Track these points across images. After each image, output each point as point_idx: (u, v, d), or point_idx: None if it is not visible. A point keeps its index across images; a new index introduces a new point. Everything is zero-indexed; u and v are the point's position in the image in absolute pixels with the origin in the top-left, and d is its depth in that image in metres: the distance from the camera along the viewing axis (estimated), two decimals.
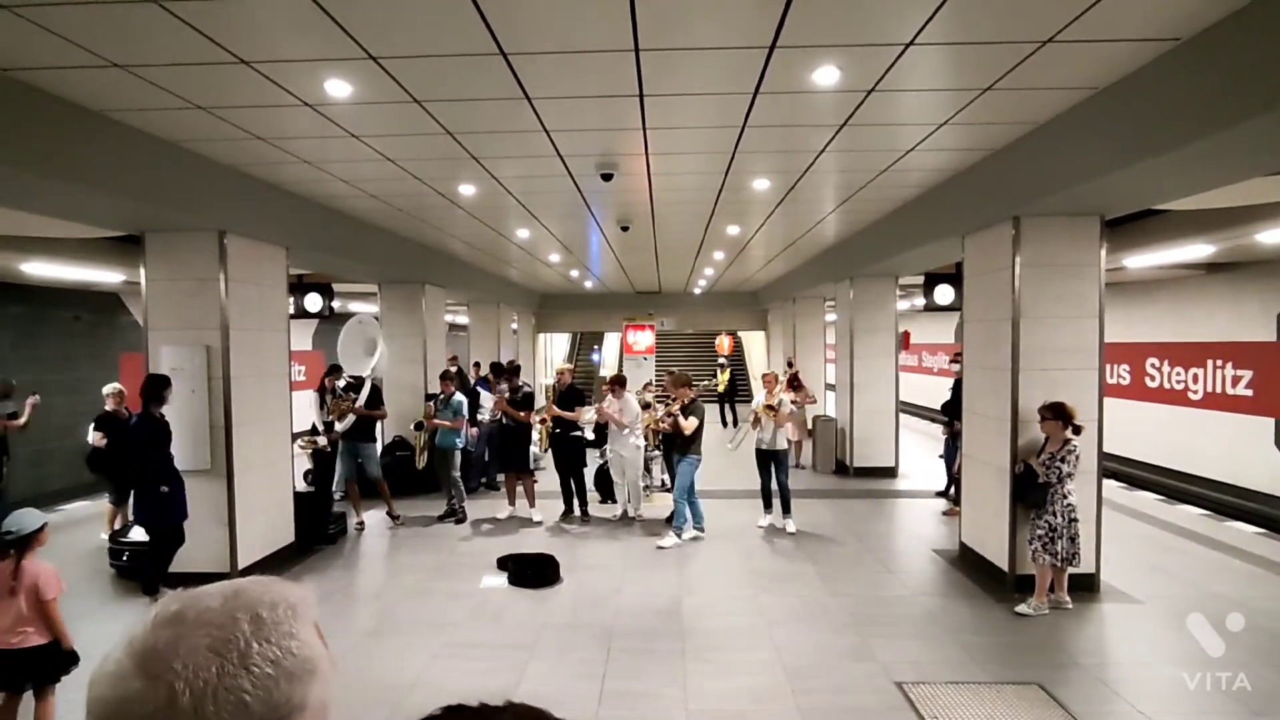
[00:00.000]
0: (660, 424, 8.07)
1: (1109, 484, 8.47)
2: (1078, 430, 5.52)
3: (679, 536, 7.66)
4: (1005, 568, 6.10)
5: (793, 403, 9.73)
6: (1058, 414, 5.53)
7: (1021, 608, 5.60)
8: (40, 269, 9.38)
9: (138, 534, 6.72)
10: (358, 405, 8.33)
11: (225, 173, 6.03)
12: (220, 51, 3.79)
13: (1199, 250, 8.78)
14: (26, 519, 3.58)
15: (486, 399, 10.02)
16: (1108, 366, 12.36)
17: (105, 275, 10.12)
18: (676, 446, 7.91)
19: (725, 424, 17.72)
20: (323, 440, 9.00)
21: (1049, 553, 5.50)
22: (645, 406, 9.07)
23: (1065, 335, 5.94)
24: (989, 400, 6.44)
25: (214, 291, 6.24)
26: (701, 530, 7.87)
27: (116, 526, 7.32)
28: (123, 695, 0.66)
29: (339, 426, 8.31)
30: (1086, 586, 5.88)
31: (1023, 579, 5.91)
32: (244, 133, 5.17)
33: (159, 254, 6.24)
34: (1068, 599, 5.65)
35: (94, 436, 7.87)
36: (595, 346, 28.66)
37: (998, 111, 4.92)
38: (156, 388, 5.79)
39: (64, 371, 10.36)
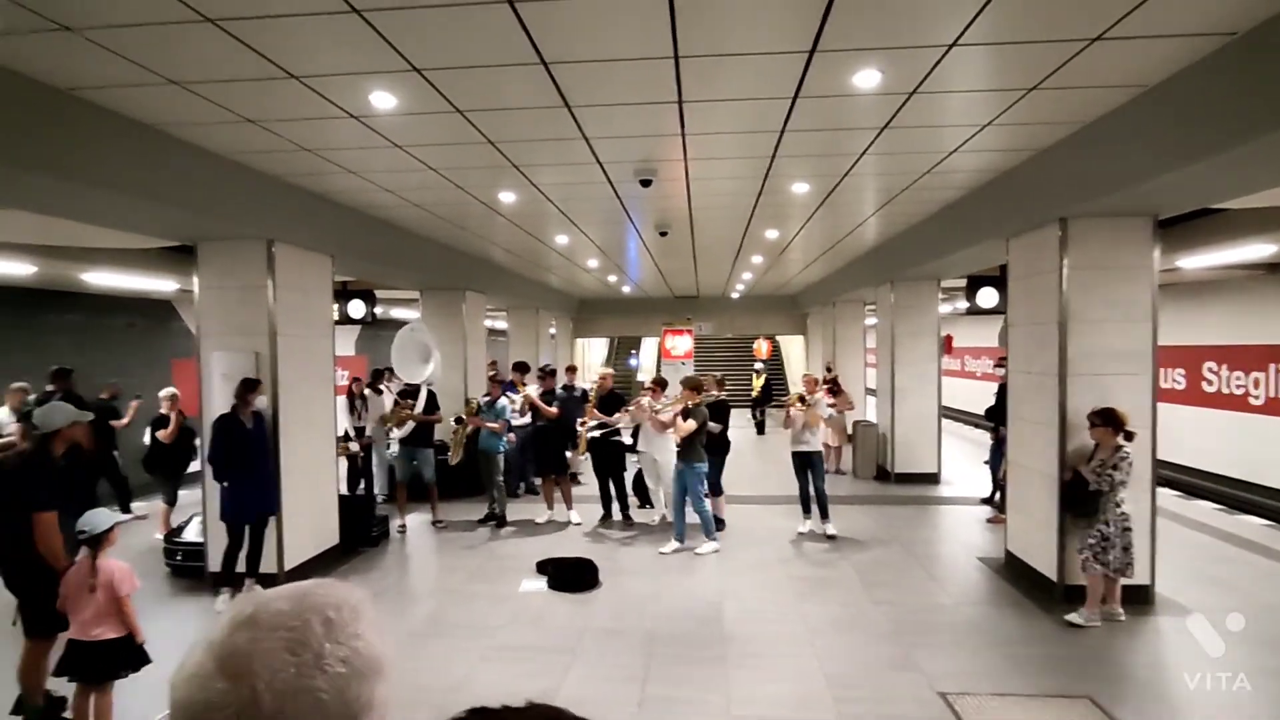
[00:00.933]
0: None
1: (1164, 493, 8.21)
2: (1130, 436, 5.36)
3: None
4: (1054, 577, 5.94)
5: (830, 407, 9.63)
6: (1108, 420, 5.37)
7: (1072, 616, 5.45)
8: (100, 278, 9.77)
9: (191, 534, 6.95)
10: (416, 411, 8.51)
11: (273, 184, 6.20)
12: (271, 67, 3.90)
13: (1259, 250, 8.46)
14: (98, 519, 3.75)
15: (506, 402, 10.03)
16: (1161, 371, 12.01)
17: (160, 283, 10.50)
18: (677, 453, 7.67)
19: (760, 431, 17.57)
20: (355, 446, 9.21)
21: (1100, 562, 5.34)
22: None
23: (1116, 339, 5.77)
24: (1035, 405, 6.29)
25: (262, 298, 6.41)
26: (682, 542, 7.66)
27: (173, 525, 7.55)
28: (207, 697, 0.69)
29: (398, 433, 8.46)
30: (1141, 599, 5.69)
31: (1072, 589, 5.75)
32: (292, 145, 5.32)
33: (211, 263, 6.45)
34: (1120, 611, 5.48)
35: (152, 438, 8.20)
36: (633, 351, 28.72)
37: (1043, 111, 4.81)
38: (241, 390, 6.04)
39: (120, 376, 10.73)
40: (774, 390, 19.11)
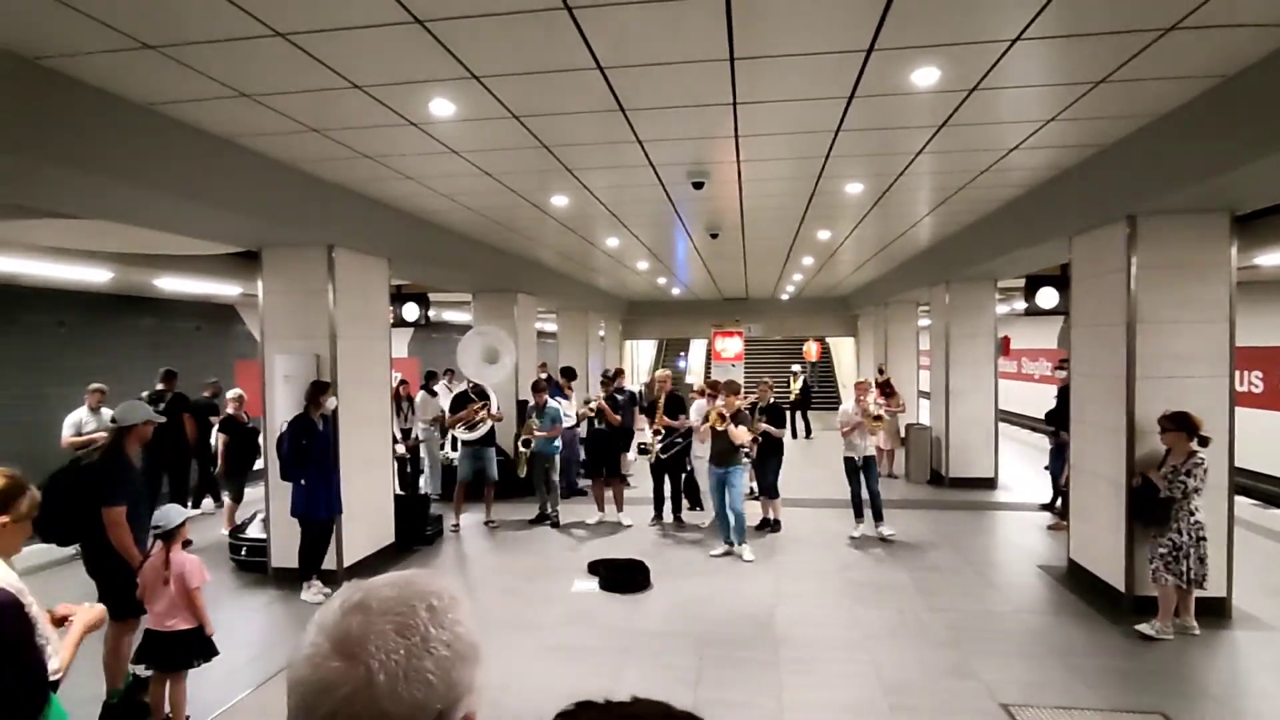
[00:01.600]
0: (716, 422, 7.56)
1: (1241, 501, 7.83)
2: (1204, 442, 5.13)
3: (744, 544, 7.47)
4: (1121, 587, 5.73)
5: (885, 409, 9.50)
6: (1181, 424, 5.16)
7: (1143, 627, 5.25)
8: (170, 283, 10.19)
9: (255, 530, 7.21)
10: (494, 412, 8.68)
11: (334, 190, 6.39)
12: (336, 78, 4.03)
13: None
14: (172, 514, 3.92)
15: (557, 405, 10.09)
16: (1239, 373, 11.45)
17: (225, 288, 10.89)
18: (713, 456, 7.52)
19: (795, 434, 16.63)
20: (400, 448, 9.40)
21: (1172, 573, 5.13)
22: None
23: (1189, 340, 5.54)
24: (1101, 409, 6.08)
25: (323, 302, 6.61)
26: (732, 545, 7.53)
27: (237, 523, 7.83)
28: (324, 676, 0.73)
29: (467, 434, 8.59)
30: (1216, 611, 5.45)
31: (1141, 600, 5.54)
32: (353, 152, 5.48)
33: (275, 268, 6.68)
34: (1194, 624, 5.25)
35: (220, 438, 8.55)
36: (681, 353, 28.70)
37: (1111, 105, 4.65)
38: (312, 392, 6.27)
39: (190, 375, 11.20)
40: (812, 395, 18.52)
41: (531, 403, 9.01)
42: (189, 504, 9.21)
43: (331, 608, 0.79)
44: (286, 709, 0.76)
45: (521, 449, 8.71)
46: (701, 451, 8.38)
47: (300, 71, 3.92)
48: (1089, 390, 6.37)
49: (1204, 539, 5.10)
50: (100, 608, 2.71)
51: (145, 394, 8.92)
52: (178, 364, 11.49)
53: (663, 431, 8.59)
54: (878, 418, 7.92)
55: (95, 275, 9.22)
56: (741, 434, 7.34)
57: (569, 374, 10.95)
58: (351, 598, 0.79)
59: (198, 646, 3.97)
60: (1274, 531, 7.98)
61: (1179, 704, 4.28)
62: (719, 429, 7.34)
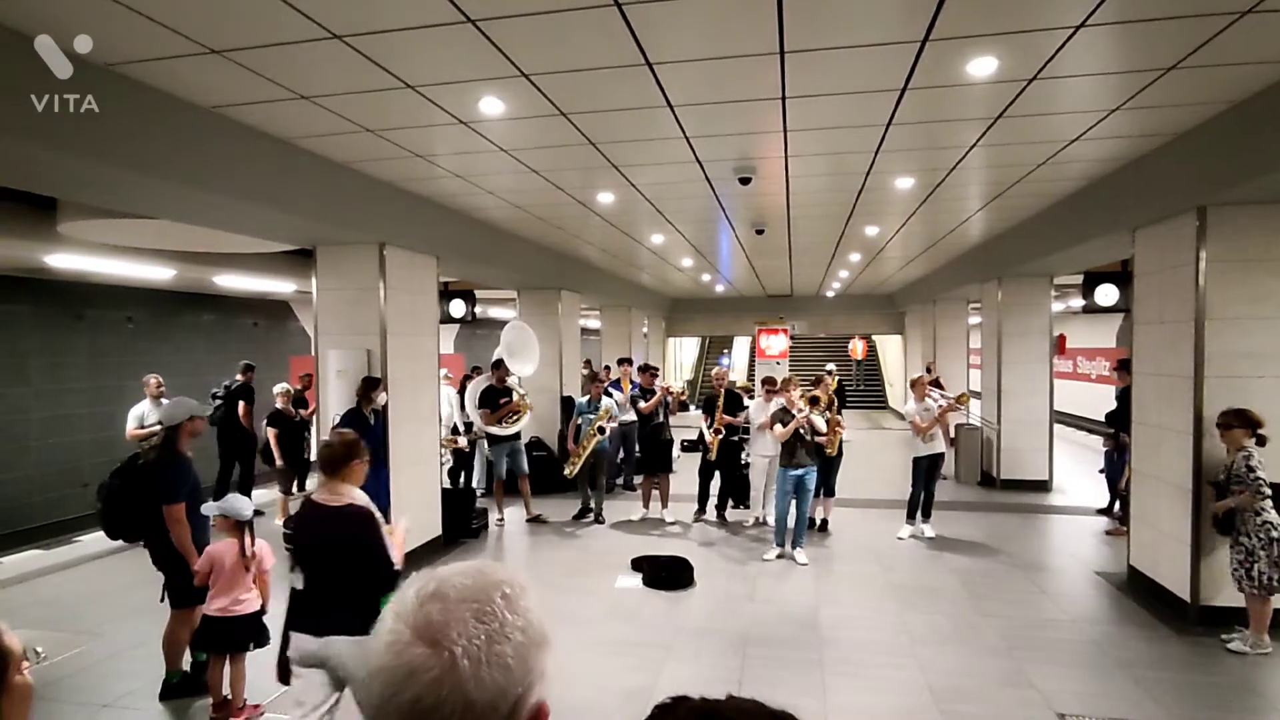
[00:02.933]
0: (814, 409, 7.28)
1: None
2: (1262, 441, 4.91)
3: (785, 548, 7.30)
4: (1186, 597, 5.51)
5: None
6: (1243, 421, 4.94)
7: (1235, 644, 4.99)
8: (228, 280, 10.54)
9: None
10: (527, 402, 8.78)
11: (385, 189, 6.51)
12: (390, 78, 4.10)
13: None
14: (242, 505, 4.15)
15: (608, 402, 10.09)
16: None
17: (280, 285, 11.23)
18: (788, 457, 7.21)
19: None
20: (463, 440, 9.52)
21: (1250, 579, 4.89)
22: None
23: (1264, 338, 5.28)
24: (1165, 410, 5.85)
25: (374, 299, 6.75)
26: (782, 547, 7.32)
27: (290, 514, 8.05)
28: (408, 662, 0.74)
29: (504, 431, 8.67)
30: None
31: (1207, 610, 5.32)
32: (404, 151, 5.57)
33: (328, 265, 6.84)
34: (1267, 640, 5.00)
35: (269, 432, 8.80)
36: (725, 351, 28.56)
37: (1182, 93, 4.46)
38: (364, 388, 6.42)
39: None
40: (847, 395, 17.82)
41: (587, 398, 9.01)
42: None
43: (407, 597, 0.80)
44: (363, 698, 0.77)
45: (596, 434, 8.59)
46: (766, 450, 8.25)
47: (356, 73, 4.00)
48: (1152, 390, 6.13)
49: (1276, 540, 4.83)
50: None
51: (226, 384, 9.44)
52: (236, 359, 11.89)
53: (723, 430, 8.49)
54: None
55: (160, 273, 9.59)
56: (822, 423, 7.19)
57: (645, 367, 10.98)
58: (427, 587, 0.80)
59: (255, 630, 4.15)
60: None
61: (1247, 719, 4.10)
62: (811, 416, 7.05)
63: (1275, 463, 4.94)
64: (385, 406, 6.68)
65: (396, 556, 3.13)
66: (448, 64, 3.99)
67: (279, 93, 4.25)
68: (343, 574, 3.08)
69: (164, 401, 7.91)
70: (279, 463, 8.71)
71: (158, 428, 7.14)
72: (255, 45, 3.64)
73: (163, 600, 4.44)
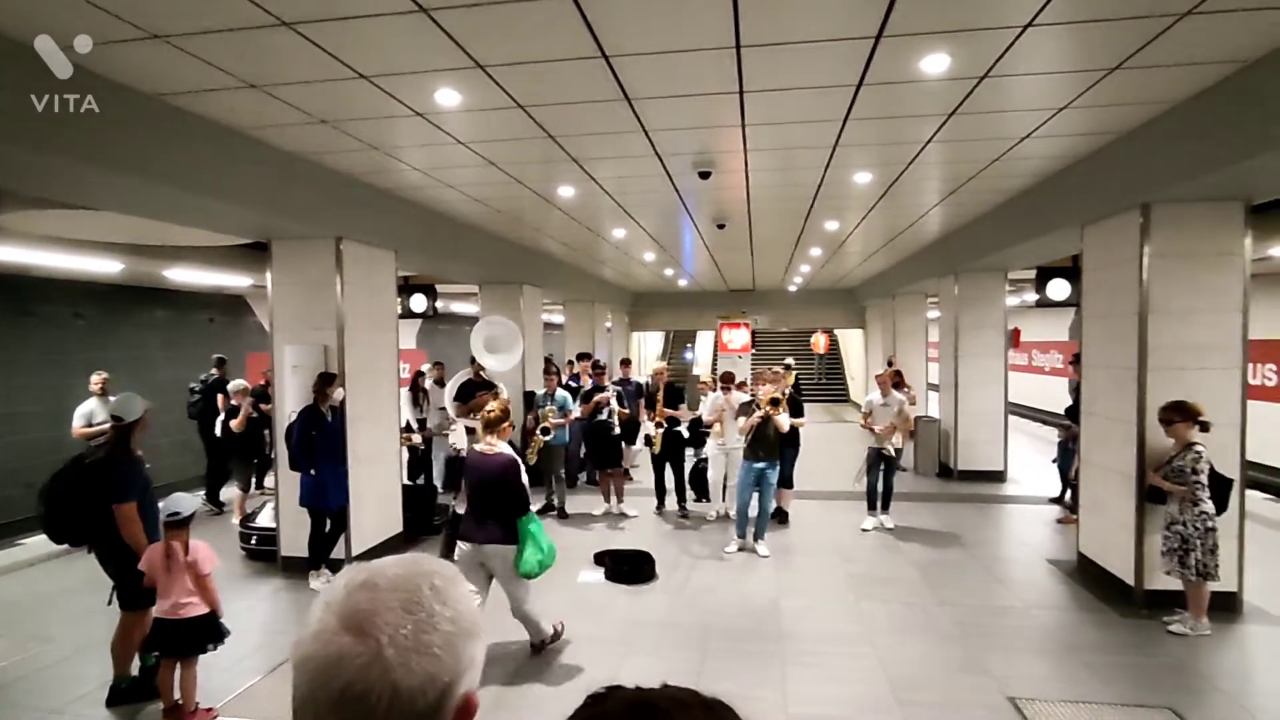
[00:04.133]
0: (771, 409, 7.19)
1: (1254, 495, 7.75)
2: (1205, 427, 5.09)
3: (745, 540, 7.37)
4: (1131, 582, 5.69)
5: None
6: (1184, 413, 5.12)
7: (1177, 627, 5.18)
8: (181, 275, 10.25)
9: (265, 520, 7.25)
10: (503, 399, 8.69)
11: (342, 181, 6.39)
12: (343, 68, 4.02)
13: None
14: (182, 503, 3.97)
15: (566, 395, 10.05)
16: (1252, 366, 11.33)
17: (235, 280, 10.96)
18: (752, 450, 7.24)
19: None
20: (417, 438, 9.42)
21: (1185, 566, 5.08)
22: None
23: (1201, 331, 5.47)
24: (1112, 402, 6.02)
25: (331, 294, 6.62)
26: (743, 539, 7.38)
27: (248, 511, 7.87)
28: (336, 651, 0.75)
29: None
30: (1227, 607, 5.40)
31: (1152, 594, 5.50)
32: (361, 143, 5.47)
33: (284, 259, 6.68)
34: (1206, 622, 5.19)
35: (219, 428, 8.61)
36: (688, 345, 28.66)
37: (1126, 92, 4.59)
38: (319, 384, 6.31)
39: (201, 368, 11.28)
40: (804, 391, 17.33)
41: (542, 391, 9.01)
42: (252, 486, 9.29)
43: (337, 586, 0.81)
44: (293, 687, 0.77)
45: (540, 436, 8.64)
46: (729, 443, 8.27)
47: (307, 62, 3.91)
48: (1100, 382, 6.31)
49: (1212, 529, 5.04)
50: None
51: (203, 378, 9.45)
52: (192, 355, 11.57)
53: (664, 423, 8.59)
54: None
55: (107, 266, 9.28)
56: (785, 422, 7.24)
57: (585, 358, 10.99)
58: (357, 577, 0.81)
59: (208, 632, 4.02)
60: None
61: (1189, 699, 4.24)
62: (773, 414, 7.07)
63: (1214, 449, 5.14)
64: (343, 403, 6.57)
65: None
66: (401, 54, 3.92)
67: (226, 80, 4.14)
68: (494, 502, 4.59)
69: (111, 399, 7.68)
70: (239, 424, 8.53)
71: (106, 426, 6.95)
72: (199, 31, 3.53)
73: (111, 603, 4.32)
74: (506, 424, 4.78)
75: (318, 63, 3.92)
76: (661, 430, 8.60)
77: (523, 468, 4.70)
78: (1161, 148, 5.11)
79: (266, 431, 8.89)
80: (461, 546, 4.69)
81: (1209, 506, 5.07)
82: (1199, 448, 5.08)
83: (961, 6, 3.48)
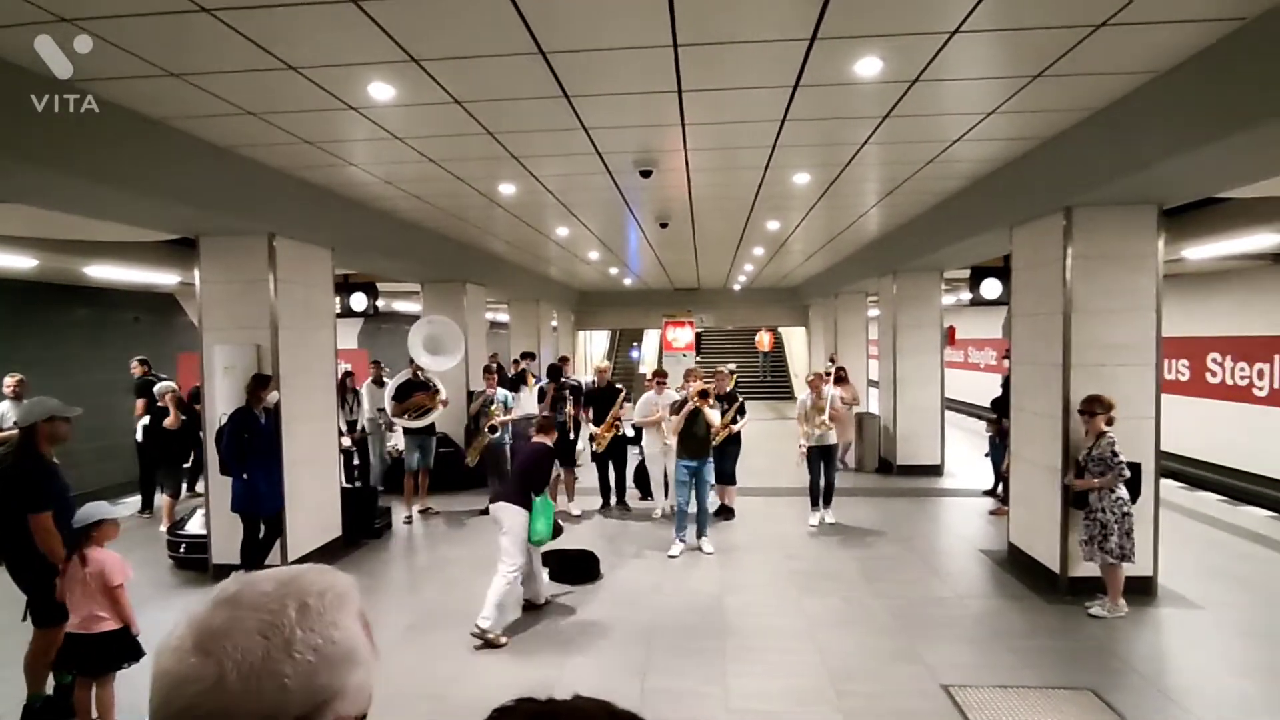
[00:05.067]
0: (700, 402, 7.22)
1: (1168, 484, 8.17)
2: (1110, 422, 5.40)
3: (687, 539, 7.34)
4: (1056, 569, 5.93)
5: (842, 400, 9.60)
6: (1103, 407, 5.40)
7: (1096, 610, 5.43)
8: (103, 272, 9.77)
9: (195, 526, 6.97)
10: (443, 398, 8.56)
11: (275, 176, 6.18)
12: (269, 58, 3.88)
13: (1264, 240, 8.39)
14: (90, 512, 3.75)
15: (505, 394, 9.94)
16: (1166, 362, 11.94)
17: (162, 277, 10.50)
18: (685, 449, 7.23)
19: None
20: (346, 440, 9.21)
21: (1104, 550, 5.33)
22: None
23: (1120, 329, 5.73)
24: (1039, 397, 6.26)
25: (264, 292, 6.41)
26: (684, 539, 7.32)
27: (176, 518, 7.55)
28: (180, 670, 0.70)
29: (415, 424, 8.45)
30: (1143, 590, 5.68)
31: (1076, 581, 5.74)
32: (292, 137, 5.30)
33: (212, 257, 6.44)
34: (1123, 604, 5.45)
35: (140, 433, 8.26)
36: (635, 344, 28.69)
37: (1048, 99, 4.77)
38: (253, 386, 6.10)
39: (129, 370, 10.79)
40: (747, 389, 17.40)
41: (483, 390, 8.91)
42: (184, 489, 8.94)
43: (207, 599, 0.76)
44: (149, 700, 0.73)
45: (489, 434, 8.55)
46: (656, 442, 8.36)
47: (229, 50, 3.76)
48: (1028, 378, 6.56)
49: (1128, 514, 5.33)
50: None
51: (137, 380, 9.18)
52: (118, 356, 11.05)
53: (617, 424, 8.67)
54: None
55: (19, 262, 8.79)
56: (716, 417, 7.29)
57: (529, 357, 10.98)
58: (226, 590, 0.76)
59: (123, 648, 3.80)
60: (1200, 513, 8.35)
61: (1108, 680, 4.44)
62: (701, 405, 7.10)
63: (1124, 441, 5.42)
64: (278, 404, 6.37)
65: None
66: (330, 45, 3.81)
67: (143, 68, 3.94)
68: (522, 477, 5.62)
69: (25, 401, 7.28)
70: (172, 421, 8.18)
71: (14, 431, 6.58)
72: (109, 15, 3.36)
73: (25, 619, 4.08)
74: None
75: (241, 51, 3.77)
76: (609, 432, 8.64)
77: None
78: (1082, 153, 5.33)
79: (201, 434, 8.58)
80: (493, 509, 5.68)
81: (1124, 492, 5.36)
82: (1110, 435, 5.35)
83: (892, 11, 3.56)
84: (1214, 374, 12.09)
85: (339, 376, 10.14)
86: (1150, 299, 5.70)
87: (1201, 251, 8.87)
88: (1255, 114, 3.69)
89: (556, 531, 5.70)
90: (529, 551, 5.55)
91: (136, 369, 9.27)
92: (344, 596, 0.79)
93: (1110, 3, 3.44)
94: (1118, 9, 3.48)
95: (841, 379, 10.36)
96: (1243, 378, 11.47)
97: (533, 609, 5.75)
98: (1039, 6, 3.51)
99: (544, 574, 5.94)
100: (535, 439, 5.85)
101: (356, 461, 9.99)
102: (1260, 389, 11.12)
